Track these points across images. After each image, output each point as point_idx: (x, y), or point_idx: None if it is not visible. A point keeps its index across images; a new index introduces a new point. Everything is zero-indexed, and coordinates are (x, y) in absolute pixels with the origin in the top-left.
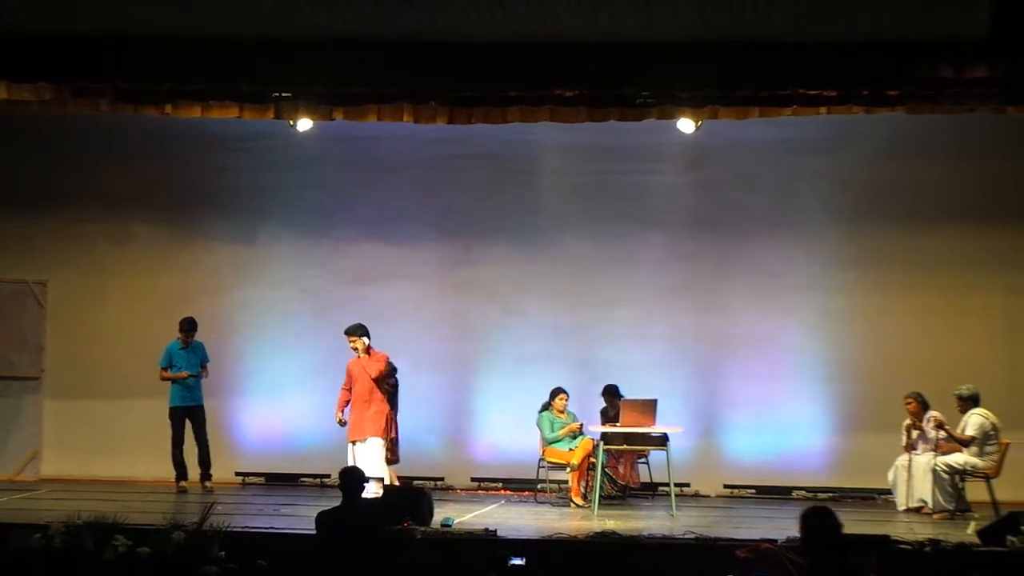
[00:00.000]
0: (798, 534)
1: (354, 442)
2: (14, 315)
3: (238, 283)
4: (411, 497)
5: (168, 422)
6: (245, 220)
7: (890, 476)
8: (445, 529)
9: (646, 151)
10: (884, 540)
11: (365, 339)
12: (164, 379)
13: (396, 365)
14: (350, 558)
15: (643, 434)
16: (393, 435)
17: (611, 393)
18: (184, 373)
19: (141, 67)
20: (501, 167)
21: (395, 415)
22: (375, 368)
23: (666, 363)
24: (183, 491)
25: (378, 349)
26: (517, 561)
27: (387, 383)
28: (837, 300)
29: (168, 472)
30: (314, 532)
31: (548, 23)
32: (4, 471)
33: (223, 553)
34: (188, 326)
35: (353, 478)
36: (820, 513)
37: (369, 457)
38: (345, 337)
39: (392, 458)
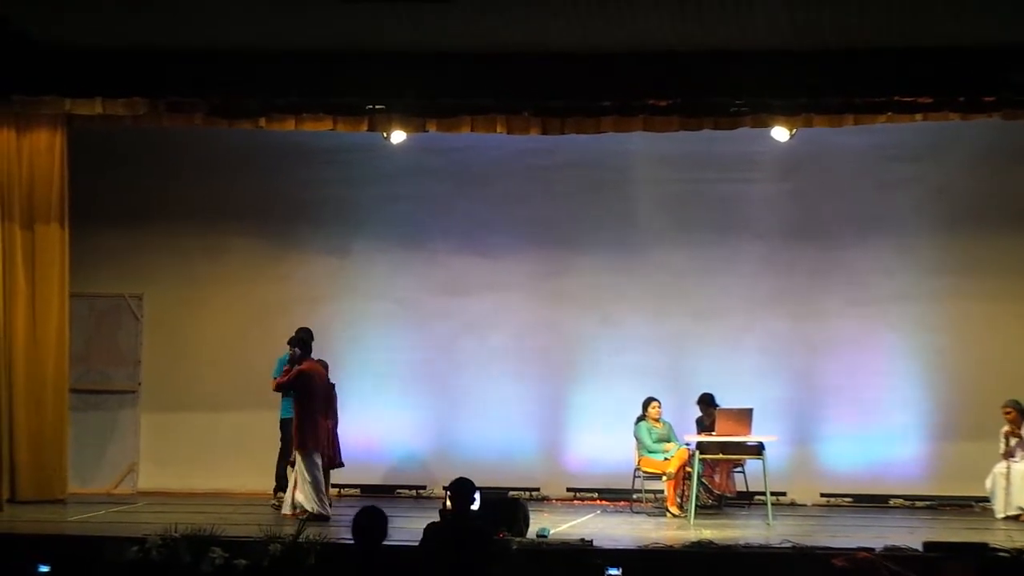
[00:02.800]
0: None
1: None
2: (111, 329)
3: (332, 295)
4: (507, 508)
5: (275, 434)
6: (338, 232)
7: (988, 484)
8: (541, 539)
9: (740, 160)
10: (982, 548)
11: (296, 349)
12: (276, 390)
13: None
14: (453, 569)
15: (739, 443)
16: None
17: (707, 402)
18: None
19: (235, 81)
20: (594, 177)
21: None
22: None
23: (761, 372)
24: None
25: (313, 360)
26: (613, 571)
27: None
28: (934, 308)
29: (262, 484)
30: (409, 544)
31: (640, 33)
32: (102, 484)
33: None
34: (307, 336)
35: (465, 488)
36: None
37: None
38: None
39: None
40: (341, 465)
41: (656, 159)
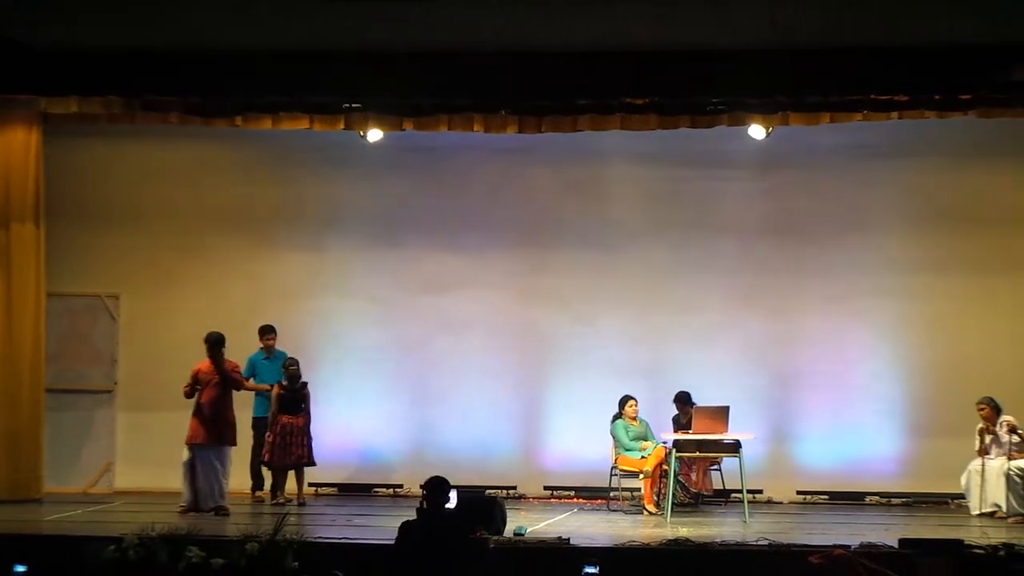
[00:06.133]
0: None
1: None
2: (87, 329)
3: (308, 293)
4: (484, 506)
5: (249, 433)
6: (314, 230)
7: (963, 481)
8: (518, 538)
9: (717, 157)
10: (958, 545)
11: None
12: (245, 389)
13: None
14: (429, 567)
15: (715, 441)
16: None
17: (683, 400)
18: (268, 386)
19: (211, 80)
20: (571, 175)
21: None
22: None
23: (738, 370)
24: (260, 501)
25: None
26: (591, 569)
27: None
28: (909, 305)
29: (238, 483)
30: (385, 542)
31: (617, 32)
32: (78, 484)
33: (296, 564)
34: (267, 331)
35: (441, 486)
36: None
37: None
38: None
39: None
40: (313, 464)
41: (633, 157)
